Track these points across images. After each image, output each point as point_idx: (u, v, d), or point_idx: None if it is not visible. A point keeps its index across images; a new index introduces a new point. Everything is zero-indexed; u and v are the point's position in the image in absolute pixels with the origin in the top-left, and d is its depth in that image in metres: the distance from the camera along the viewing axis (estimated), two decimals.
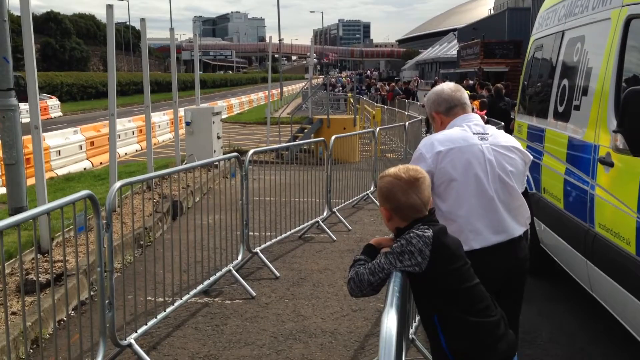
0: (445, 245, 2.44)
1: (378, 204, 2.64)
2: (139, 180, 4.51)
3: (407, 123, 15.25)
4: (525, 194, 6.24)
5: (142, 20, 10.64)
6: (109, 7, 8.08)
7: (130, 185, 4.46)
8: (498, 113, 13.65)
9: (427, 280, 2.41)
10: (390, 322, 1.75)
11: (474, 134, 3.12)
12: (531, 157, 3.31)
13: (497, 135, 3.18)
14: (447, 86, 3.37)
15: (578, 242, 4.68)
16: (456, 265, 2.45)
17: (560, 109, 5.38)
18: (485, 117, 14.17)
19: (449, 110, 3.27)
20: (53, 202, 3.35)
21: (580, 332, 4.94)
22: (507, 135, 3.29)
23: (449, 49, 63.05)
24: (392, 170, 2.56)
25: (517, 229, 3.12)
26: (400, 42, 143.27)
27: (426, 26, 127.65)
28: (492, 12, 68.42)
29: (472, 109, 3.45)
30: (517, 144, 3.25)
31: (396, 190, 2.49)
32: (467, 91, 16.17)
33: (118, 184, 4.02)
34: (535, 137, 6.20)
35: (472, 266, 2.54)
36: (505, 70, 38.77)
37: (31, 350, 4.31)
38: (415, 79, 49.97)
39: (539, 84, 6.36)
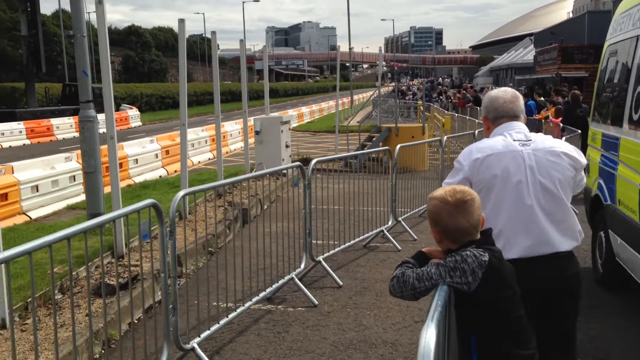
0: (498, 271, 2.39)
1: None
2: (201, 190, 4.65)
3: (476, 131, 14.93)
4: (599, 205, 6.03)
5: (213, 32, 10.99)
6: (181, 21, 8.40)
7: (194, 194, 4.59)
8: (575, 120, 13.11)
9: (472, 301, 2.36)
10: (429, 336, 1.75)
11: (514, 140, 3.02)
12: (584, 161, 3.11)
13: (542, 141, 3.05)
14: (503, 94, 3.24)
15: None
16: (506, 294, 2.40)
17: (636, 116, 5.14)
18: (561, 124, 13.68)
19: (496, 120, 3.19)
20: (119, 211, 3.51)
21: None
22: (556, 140, 3.14)
23: (525, 54, 61.26)
24: (439, 192, 2.52)
25: (563, 243, 2.96)
26: (474, 48, 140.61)
27: (501, 31, 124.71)
28: (571, 15, 66.04)
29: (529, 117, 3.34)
30: (567, 148, 3.07)
31: (443, 214, 2.45)
32: (542, 97, 15.63)
33: (181, 193, 4.16)
34: (610, 145, 5.93)
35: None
36: (584, 76, 37.25)
37: (102, 351, 4.51)
38: (488, 86, 48.86)
39: (613, 90, 6.09)
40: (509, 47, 77.09)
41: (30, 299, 4.79)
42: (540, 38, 52.32)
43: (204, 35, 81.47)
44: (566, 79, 37.08)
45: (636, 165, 4.98)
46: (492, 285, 2.35)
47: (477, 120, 18.92)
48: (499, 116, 3.19)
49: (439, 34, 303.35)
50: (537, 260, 2.91)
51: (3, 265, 2.65)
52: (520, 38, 76.47)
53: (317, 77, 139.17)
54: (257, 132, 13.03)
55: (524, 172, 2.94)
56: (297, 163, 6.41)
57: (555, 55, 41.35)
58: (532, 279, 2.90)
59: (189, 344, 4.27)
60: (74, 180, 11.36)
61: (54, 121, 28.55)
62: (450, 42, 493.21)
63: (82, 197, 9.46)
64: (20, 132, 25.95)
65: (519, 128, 3.12)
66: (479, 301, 2.36)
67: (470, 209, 2.44)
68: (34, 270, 5.50)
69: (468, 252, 2.36)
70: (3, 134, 24.80)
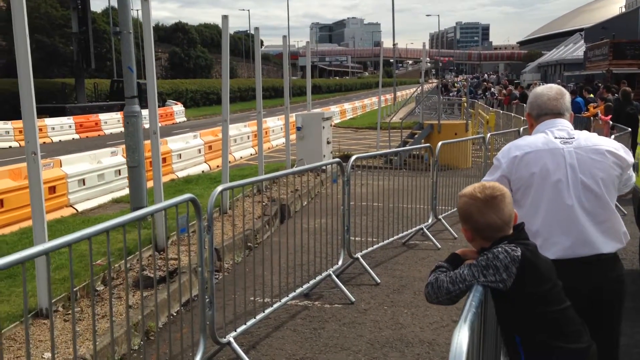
0: (534, 265, 2.32)
1: None
2: (240, 185, 4.68)
3: (521, 128, 14.61)
4: None
5: (256, 28, 11.07)
6: (224, 18, 8.48)
7: (232, 189, 4.62)
8: (625, 118, 12.70)
9: (511, 299, 2.30)
10: (462, 337, 1.72)
11: (556, 138, 2.93)
12: (632, 160, 2.98)
13: (586, 139, 2.94)
14: (548, 91, 3.16)
15: None
16: (544, 288, 2.33)
17: None
18: (611, 122, 13.26)
19: (539, 117, 3.11)
20: (157, 205, 3.56)
21: None
22: (602, 137, 3.02)
23: (575, 50, 59.65)
24: (468, 189, 2.48)
25: (606, 244, 2.84)
26: (521, 43, 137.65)
27: (550, 27, 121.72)
28: (623, 10, 63.91)
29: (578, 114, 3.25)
30: (612, 146, 2.94)
31: (473, 211, 2.41)
32: (591, 94, 15.26)
33: (219, 188, 4.19)
34: None
35: None
36: (636, 72, 36.05)
37: (141, 343, 4.59)
38: (535, 83, 47.76)
39: None
40: (558, 43, 75.23)
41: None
42: (591, 33, 50.87)
43: (248, 31, 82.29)
44: (617, 75, 35.96)
45: None
46: (528, 280, 2.29)
47: (522, 118, 18.52)
48: (542, 113, 3.11)
49: (485, 30, 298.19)
50: (578, 261, 2.82)
51: (45, 256, 2.71)
52: (570, 33, 74.54)
53: (363, 73, 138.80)
54: (298, 128, 13.07)
55: (564, 171, 2.85)
56: (336, 159, 6.39)
57: (606, 51, 40.12)
58: (573, 281, 2.81)
59: (225, 337, 4.31)
60: (119, 174, 11.62)
61: (102, 116, 29.31)
62: (497, 38, 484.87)
63: (127, 190, 9.66)
64: (70, 126, 26.73)
65: (562, 125, 3.03)
66: (518, 297, 2.30)
67: (501, 204, 2.39)
68: (80, 262, 5.68)
69: (499, 249, 2.31)
70: (53, 128, 25.57)
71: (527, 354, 2.32)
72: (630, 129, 11.27)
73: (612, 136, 10.09)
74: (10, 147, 22.76)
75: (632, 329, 4.77)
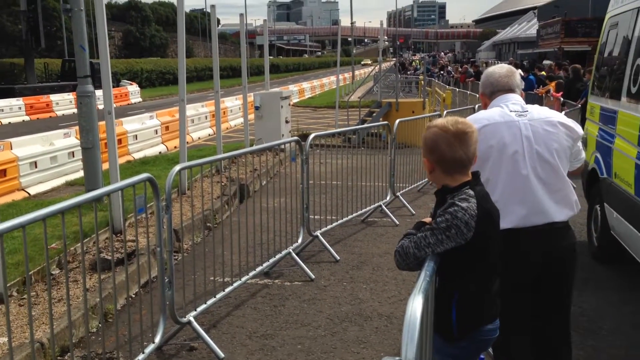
0: (489, 213, 2.42)
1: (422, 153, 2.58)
2: (198, 164, 4.65)
3: (476, 105, 14.86)
4: (595, 178, 6.03)
5: (212, 6, 10.87)
6: None
7: (190, 168, 4.60)
8: (575, 94, 13.06)
9: (465, 252, 2.37)
10: (416, 305, 1.78)
11: (511, 111, 3.03)
12: (581, 132, 3.13)
13: (538, 112, 3.07)
14: (499, 70, 3.28)
15: None
16: (497, 234, 2.46)
17: (634, 89, 5.11)
18: (562, 99, 13.61)
19: (492, 94, 3.21)
20: (114, 185, 3.52)
21: None
22: (552, 111, 3.16)
23: (528, 28, 60.63)
24: (440, 121, 2.47)
25: (560, 213, 2.98)
26: (477, 22, 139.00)
27: (504, 5, 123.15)
28: None
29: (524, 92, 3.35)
30: (563, 119, 3.10)
31: (441, 142, 2.41)
32: (543, 72, 15.60)
33: (177, 167, 4.16)
34: (607, 119, 5.91)
35: (504, 248, 2.49)
36: (587, 50, 36.92)
37: (99, 325, 4.56)
38: (483, 63, 48.40)
39: (612, 63, 6.04)
40: (513, 21, 76.26)
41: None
42: (544, 11, 51.74)
43: (204, 9, 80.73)
44: (569, 53, 36.77)
45: (633, 138, 4.97)
46: (484, 228, 2.38)
47: (477, 95, 18.82)
48: (495, 90, 3.22)
49: (442, 8, 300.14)
50: (532, 230, 2.93)
51: None
52: (523, 12, 75.56)
53: (319, 52, 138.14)
54: (257, 108, 12.99)
55: (520, 142, 2.95)
56: (295, 138, 6.40)
57: (558, 29, 40.91)
58: (527, 249, 2.92)
59: (185, 317, 4.31)
60: (73, 157, 11.37)
61: (54, 97, 28.47)
62: (454, 16, 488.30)
63: (81, 173, 9.46)
64: (20, 108, 25.89)
65: (515, 100, 3.14)
66: (472, 247, 2.37)
67: (470, 140, 2.42)
68: (34, 246, 5.57)
69: (456, 208, 2.35)
70: (2, 110, 24.74)
71: (459, 312, 2.43)
72: (580, 105, 11.60)
73: (563, 112, 10.37)
74: None
75: (579, 297, 4.98)
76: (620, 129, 5.42)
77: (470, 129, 2.43)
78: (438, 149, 2.42)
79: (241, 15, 13.27)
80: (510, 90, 3.17)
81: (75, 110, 26.47)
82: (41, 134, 11.53)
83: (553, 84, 15.17)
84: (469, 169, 2.45)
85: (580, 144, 3.21)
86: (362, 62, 53.53)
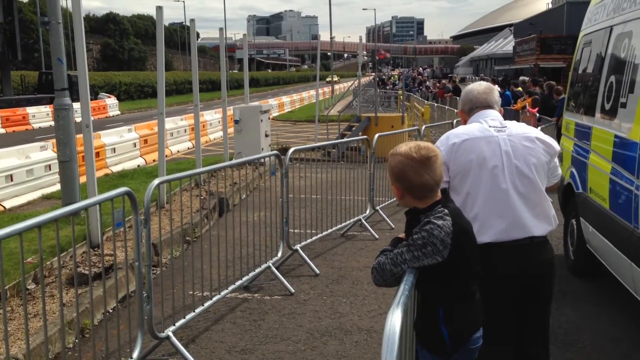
0: (464, 230, 2.46)
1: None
2: (177, 178, 4.63)
3: (454, 120, 15.02)
4: (571, 193, 6.12)
5: (192, 20, 10.87)
6: (159, 9, 8.31)
7: (169, 182, 4.57)
8: (551, 110, 13.28)
9: (443, 269, 2.40)
10: (395, 319, 1.80)
11: (490, 127, 3.08)
12: (558, 148, 3.19)
13: (516, 127, 3.13)
14: (477, 87, 3.34)
15: (623, 243, 4.53)
16: (474, 248, 2.50)
17: (607, 106, 5.21)
18: (537, 114, 13.82)
19: (471, 111, 3.26)
20: (92, 199, 3.49)
21: (626, 336, 4.77)
22: (529, 127, 3.22)
23: (505, 44, 61.69)
24: (403, 148, 2.49)
25: (538, 227, 3.02)
26: (455, 38, 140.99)
27: (481, 22, 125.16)
28: (550, 6, 66.44)
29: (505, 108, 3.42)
30: (540, 135, 3.15)
31: (408, 170, 2.44)
32: (519, 88, 15.83)
33: (156, 181, 4.14)
34: (582, 135, 6.02)
35: (483, 262, 2.52)
36: (562, 66, 37.63)
37: (76, 341, 4.49)
38: (454, 77, 49.02)
39: (586, 80, 6.17)
40: (489, 38, 77.51)
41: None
42: (520, 29, 52.68)
43: (184, 23, 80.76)
44: (544, 69, 37.41)
45: (607, 154, 5.06)
46: (461, 244, 2.41)
47: (455, 110, 19.02)
48: (474, 107, 3.27)
49: (420, 24, 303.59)
50: (512, 244, 2.97)
51: None
52: (500, 29, 76.91)
53: (302, 67, 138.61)
54: (236, 122, 12.97)
55: (499, 157, 3.00)
56: (275, 152, 6.40)
57: (534, 45, 41.65)
58: (507, 263, 2.96)
59: (163, 332, 4.26)
60: (50, 170, 11.23)
61: (30, 110, 28.13)
62: (432, 32, 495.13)
63: (58, 186, 9.34)
64: None
65: (494, 116, 3.19)
66: (450, 264, 2.40)
67: (435, 165, 2.45)
68: (9, 260, 5.47)
69: (432, 225, 2.38)
70: None
71: (448, 326, 2.45)
72: (555, 120, 11.80)
73: (539, 127, 10.54)
74: None
75: (557, 310, 5.03)
76: (595, 144, 5.52)
77: (434, 153, 2.47)
78: (405, 177, 2.45)
79: (221, 29, 13.32)
80: (489, 106, 3.23)
81: (52, 123, 26.20)
82: (17, 147, 11.37)
83: (529, 100, 15.41)
84: (437, 190, 2.49)
85: (557, 160, 3.27)
86: (327, 79, 52.56)
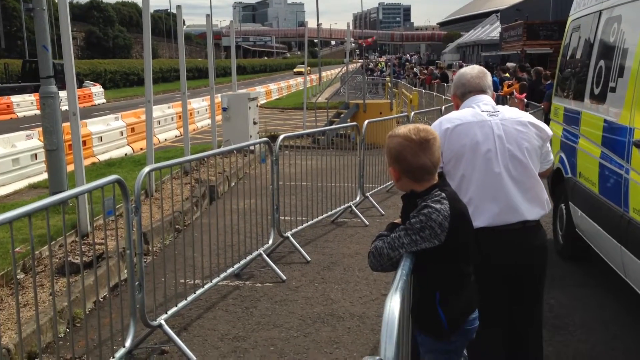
0: (461, 212, 2.46)
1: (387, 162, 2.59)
2: (167, 166, 4.60)
3: (443, 107, 15.05)
4: (560, 177, 6.16)
5: (178, 7, 10.76)
6: None
7: (159, 170, 4.54)
8: (538, 96, 13.34)
9: (440, 252, 2.40)
10: (393, 304, 1.79)
11: (482, 111, 3.09)
12: (550, 132, 3.20)
13: (510, 112, 3.14)
14: (470, 70, 3.33)
15: (612, 227, 4.57)
16: (470, 231, 2.51)
17: (597, 91, 5.23)
18: (525, 100, 13.87)
19: (463, 95, 3.26)
20: (82, 187, 3.45)
21: (615, 319, 4.83)
22: (521, 112, 3.23)
23: (491, 31, 61.70)
24: (402, 130, 2.48)
25: (531, 211, 3.03)
26: (442, 24, 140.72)
27: (468, 8, 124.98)
28: None
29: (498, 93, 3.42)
30: (532, 119, 3.17)
31: (406, 152, 2.43)
32: (507, 74, 15.88)
33: (146, 169, 4.10)
34: (571, 120, 6.04)
35: (477, 246, 2.53)
36: (549, 52, 37.76)
37: (67, 330, 4.47)
38: (454, 64, 49.04)
39: (575, 65, 6.19)
40: (476, 24, 77.44)
41: None
42: (506, 15, 52.76)
43: (169, 10, 79.85)
44: (531, 55, 37.51)
45: (596, 138, 5.09)
46: (458, 227, 2.41)
47: (444, 97, 19.07)
48: (467, 91, 3.26)
49: (407, 10, 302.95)
50: (505, 228, 2.97)
51: None
52: (487, 15, 76.84)
53: (287, 54, 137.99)
54: (224, 109, 12.90)
55: (492, 141, 3.00)
56: (265, 139, 6.38)
57: (520, 31, 41.72)
58: (500, 247, 2.97)
59: (155, 320, 4.25)
60: (36, 159, 11.13)
61: (14, 98, 27.78)
62: (419, 18, 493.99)
63: (45, 175, 9.27)
64: None
65: (486, 101, 3.19)
66: (448, 247, 2.40)
67: (433, 147, 2.44)
68: None
69: (430, 209, 2.37)
70: None
71: (444, 309, 2.46)
72: (543, 106, 11.84)
73: (527, 113, 10.58)
74: None
75: (546, 294, 5.05)
76: (584, 129, 5.55)
77: (432, 136, 2.46)
78: (404, 158, 2.44)
79: (207, 16, 13.17)
80: (482, 91, 3.23)
81: (37, 112, 25.93)
82: (2, 136, 11.25)
83: (516, 85, 15.46)
84: (435, 173, 2.48)
85: (549, 145, 3.28)
86: (294, 70, 49.55)
